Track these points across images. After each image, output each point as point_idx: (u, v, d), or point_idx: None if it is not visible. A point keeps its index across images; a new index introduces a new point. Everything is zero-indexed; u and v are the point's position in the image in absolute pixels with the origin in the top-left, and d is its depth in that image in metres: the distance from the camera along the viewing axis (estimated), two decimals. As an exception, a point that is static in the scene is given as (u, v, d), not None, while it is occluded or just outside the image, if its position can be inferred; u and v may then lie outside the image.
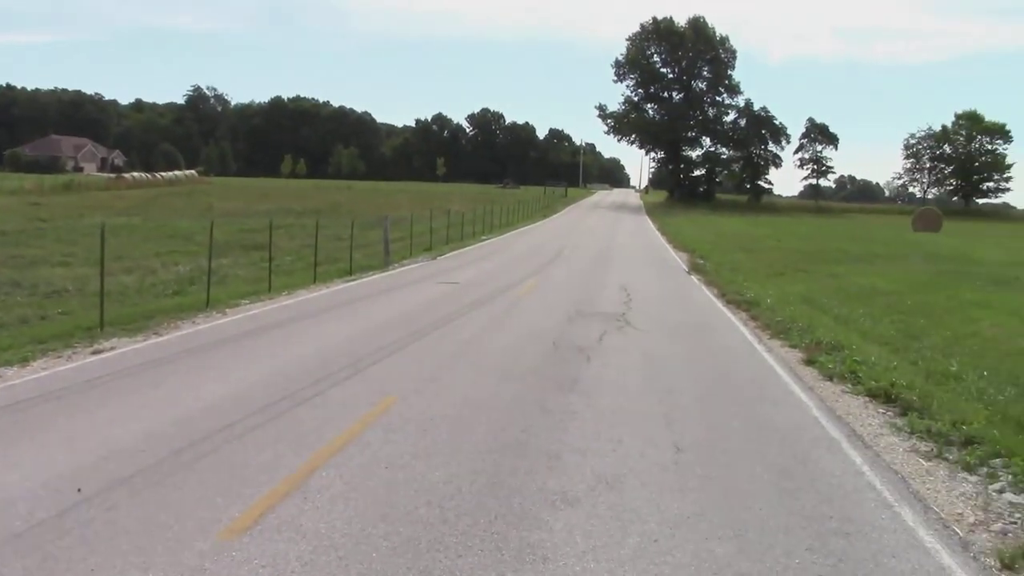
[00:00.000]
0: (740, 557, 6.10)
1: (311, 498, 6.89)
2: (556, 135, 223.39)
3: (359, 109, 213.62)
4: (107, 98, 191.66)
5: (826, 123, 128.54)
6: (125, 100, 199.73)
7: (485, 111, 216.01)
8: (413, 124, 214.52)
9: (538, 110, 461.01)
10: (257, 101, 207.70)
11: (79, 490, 6.95)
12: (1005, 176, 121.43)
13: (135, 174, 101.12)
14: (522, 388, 11.07)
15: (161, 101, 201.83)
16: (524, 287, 23.25)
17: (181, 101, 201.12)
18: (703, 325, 17.77)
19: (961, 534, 6.84)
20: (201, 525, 6.28)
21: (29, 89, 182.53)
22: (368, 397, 10.28)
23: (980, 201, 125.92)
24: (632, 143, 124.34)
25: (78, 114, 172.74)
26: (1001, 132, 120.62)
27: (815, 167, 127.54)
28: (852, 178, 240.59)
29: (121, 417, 9.13)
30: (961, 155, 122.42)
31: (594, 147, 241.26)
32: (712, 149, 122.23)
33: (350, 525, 6.37)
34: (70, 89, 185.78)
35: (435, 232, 38.37)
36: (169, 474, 7.34)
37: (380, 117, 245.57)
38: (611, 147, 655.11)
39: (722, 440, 9.08)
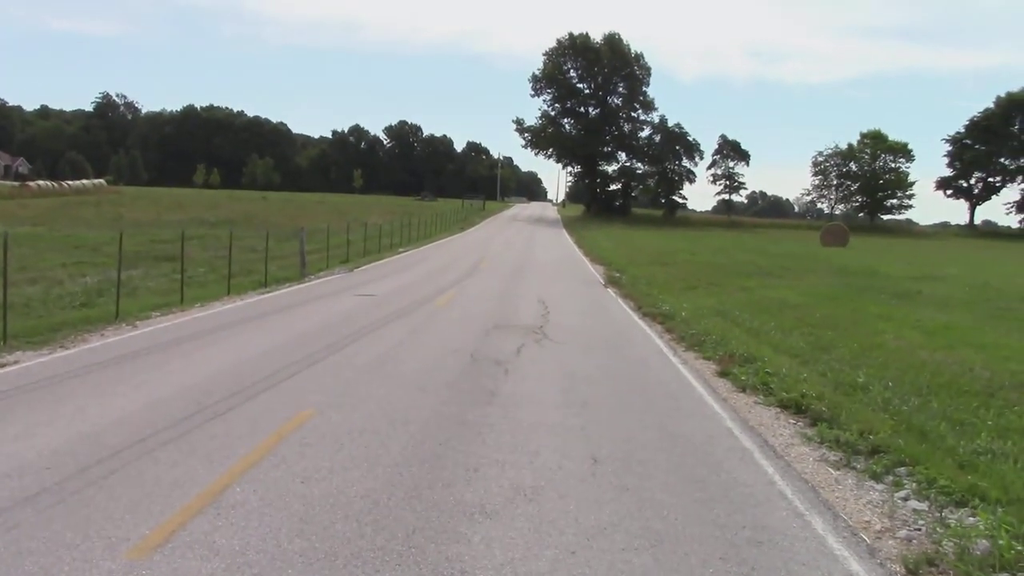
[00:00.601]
0: (656, 567, 6.17)
1: (224, 514, 6.75)
2: (474, 148, 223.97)
3: (275, 119, 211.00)
4: (10, 104, 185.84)
5: (738, 140, 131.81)
6: (30, 106, 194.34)
7: (403, 123, 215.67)
8: (330, 135, 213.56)
9: (456, 123, 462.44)
10: (169, 109, 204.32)
11: (-20, 509, 6.72)
12: (908, 193, 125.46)
13: (40, 182, 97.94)
14: (440, 401, 11.04)
15: (68, 108, 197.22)
16: (442, 299, 23.21)
17: (89, 108, 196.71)
18: (620, 338, 17.95)
19: (868, 541, 7.04)
20: (109, 544, 6.10)
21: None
22: (284, 411, 10.13)
23: (884, 217, 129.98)
24: (549, 157, 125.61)
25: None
26: (904, 151, 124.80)
27: (728, 183, 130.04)
28: (763, 194, 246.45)
29: (25, 433, 8.82)
30: (866, 172, 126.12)
31: (512, 160, 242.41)
32: (628, 164, 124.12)
33: (265, 541, 6.26)
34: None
35: (352, 244, 38.09)
36: (76, 491, 7.12)
37: (296, 128, 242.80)
38: (529, 161, 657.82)
39: (638, 451, 9.18)
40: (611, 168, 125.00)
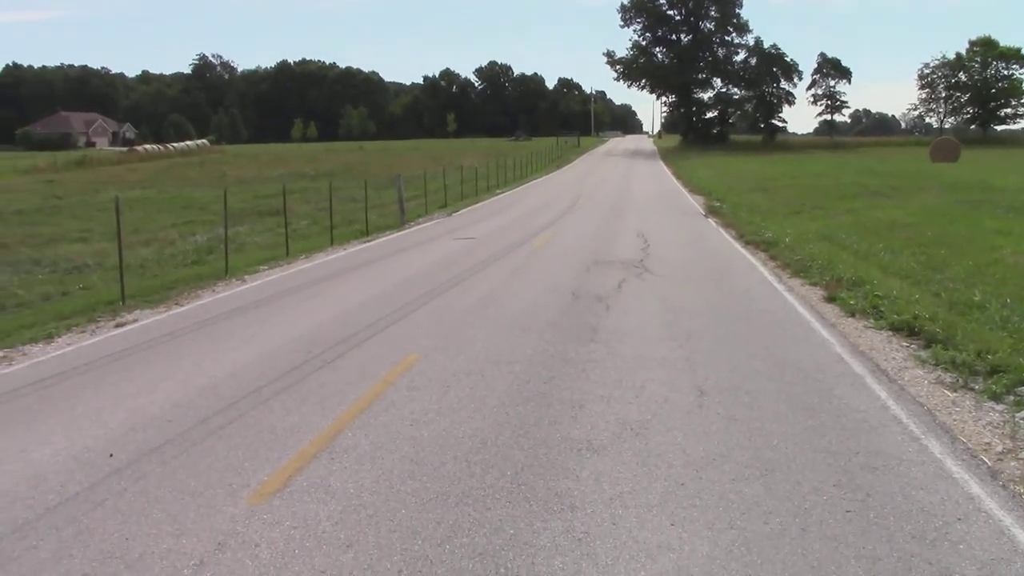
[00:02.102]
0: (768, 496, 6.11)
1: (338, 458, 6.94)
2: (566, 84, 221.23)
3: (366, 69, 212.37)
4: (113, 71, 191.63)
5: (838, 57, 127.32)
6: (131, 72, 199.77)
7: (493, 64, 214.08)
8: (421, 81, 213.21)
9: (546, 60, 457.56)
10: (263, 66, 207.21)
11: (111, 455, 7.08)
12: (1023, 101, 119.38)
13: (147, 146, 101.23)
14: (543, 340, 11.07)
15: (167, 72, 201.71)
16: (540, 239, 23.20)
17: (187, 71, 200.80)
18: (722, 268, 17.69)
19: (989, 463, 6.82)
20: (231, 490, 6.34)
21: (36, 67, 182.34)
22: (390, 356, 10.32)
23: (998, 128, 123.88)
24: (643, 88, 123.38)
25: (86, 89, 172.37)
26: (1017, 56, 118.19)
27: (829, 103, 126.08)
28: (867, 112, 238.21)
29: (147, 388, 9.21)
30: (977, 82, 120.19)
31: (604, 95, 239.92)
32: (723, 90, 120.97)
33: (378, 483, 6.42)
34: (76, 65, 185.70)
35: (449, 188, 38.29)
36: (197, 442, 7.41)
37: (388, 76, 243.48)
38: (622, 94, 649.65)
39: (745, 381, 9.06)
40: (706, 96, 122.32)
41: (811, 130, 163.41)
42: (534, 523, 5.73)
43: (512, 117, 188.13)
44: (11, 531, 5.73)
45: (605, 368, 9.66)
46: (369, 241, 24.25)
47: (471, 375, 9.41)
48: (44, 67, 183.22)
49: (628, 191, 44.08)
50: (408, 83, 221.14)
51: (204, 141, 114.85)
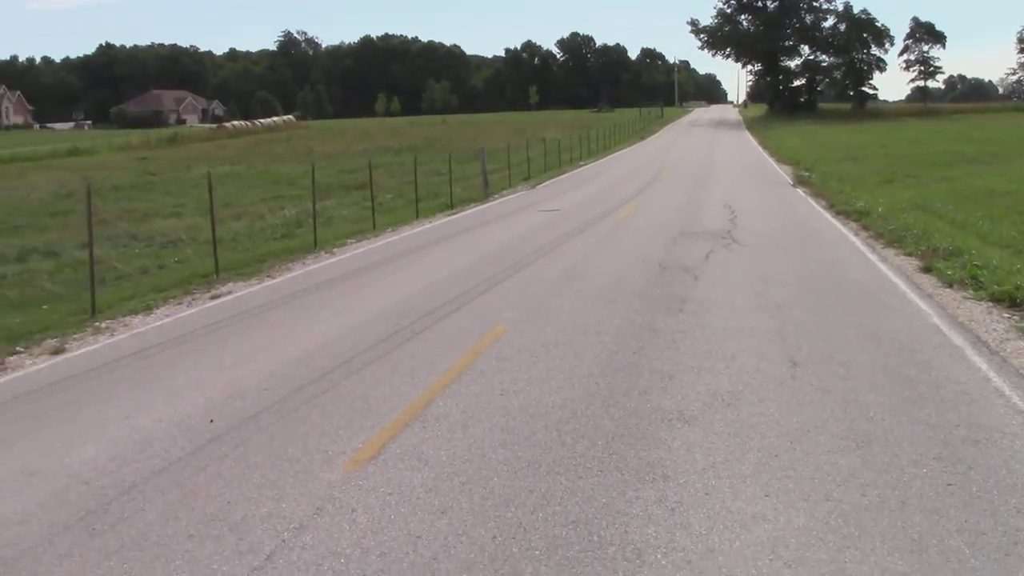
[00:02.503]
0: (864, 468, 6.00)
1: (430, 427, 7.03)
2: (649, 55, 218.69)
3: (448, 43, 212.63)
4: (202, 50, 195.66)
5: (931, 21, 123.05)
6: (219, 51, 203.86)
7: (575, 35, 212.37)
8: (503, 54, 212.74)
9: (629, 30, 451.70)
10: (347, 42, 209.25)
11: (212, 421, 7.30)
12: None
13: (235, 123, 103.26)
14: (631, 311, 11.02)
15: (254, 49, 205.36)
16: (625, 211, 23.04)
17: (273, 48, 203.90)
18: (813, 238, 17.35)
19: (1098, 437, 6.58)
20: (327, 457, 6.48)
21: (128, 46, 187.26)
22: (478, 328, 10.39)
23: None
24: (727, 57, 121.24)
25: (176, 67, 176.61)
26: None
27: (922, 69, 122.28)
28: (962, 77, 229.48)
29: (243, 358, 9.44)
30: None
31: (688, 64, 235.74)
32: (811, 57, 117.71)
33: (470, 451, 6.49)
34: (167, 43, 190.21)
35: (532, 161, 38.22)
36: (293, 410, 7.58)
37: (469, 49, 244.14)
38: (706, 63, 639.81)
39: (839, 352, 8.89)
40: (793, 63, 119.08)
41: (903, 97, 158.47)
42: (626, 492, 5.73)
43: (594, 88, 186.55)
44: (120, 494, 5.95)
45: (694, 339, 9.58)
46: (454, 214, 24.40)
47: (559, 346, 9.42)
48: (136, 46, 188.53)
49: (713, 162, 43.42)
50: (490, 56, 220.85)
51: (290, 117, 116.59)
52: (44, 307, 12.92)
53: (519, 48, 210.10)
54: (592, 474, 6.03)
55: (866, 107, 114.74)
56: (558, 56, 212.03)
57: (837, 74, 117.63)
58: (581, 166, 43.53)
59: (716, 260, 14.66)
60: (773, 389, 7.76)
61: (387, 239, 19.53)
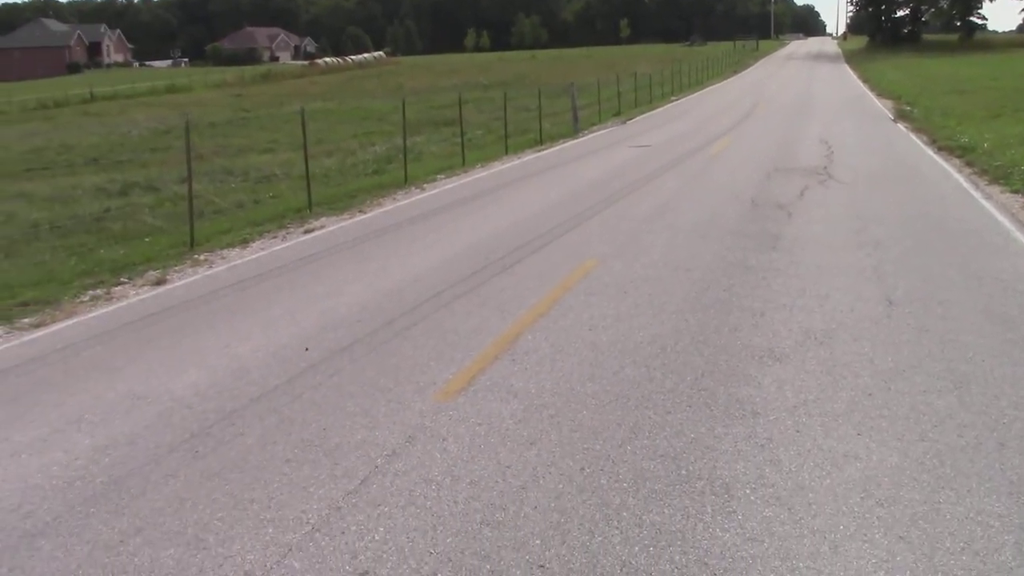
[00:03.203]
0: (962, 409, 5.86)
1: (519, 360, 7.09)
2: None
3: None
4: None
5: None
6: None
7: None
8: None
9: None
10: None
11: (307, 349, 7.50)
12: None
13: (326, 59, 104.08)
14: (722, 247, 10.88)
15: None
16: (718, 146, 22.61)
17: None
18: (913, 175, 16.79)
19: None
20: (418, 387, 6.60)
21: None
22: (567, 263, 10.38)
23: None
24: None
25: (268, 4, 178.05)
26: None
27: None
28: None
29: (336, 291, 9.62)
30: None
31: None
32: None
33: (558, 385, 6.53)
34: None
35: (622, 96, 37.65)
36: (385, 341, 7.72)
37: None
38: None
39: (938, 292, 8.65)
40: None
41: (1014, 27, 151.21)
42: (715, 428, 5.71)
43: (687, 21, 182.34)
44: (220, 419, 6.17)
45: (787, 276, 9.42)
46: (543, 150, 24.26)
47: (649, 281, 9.37)
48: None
49: (810, 96, 42.15)
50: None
51: (380, 53, 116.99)
52: (146, 239, 13.33)
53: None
54: (681, 409, 6.02)
55: (974, 38, 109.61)
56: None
57: (943, 3, 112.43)
58: (673, 101, 42.76)
59: (811, 197, 14.32)
60: (868, 328, 7.60)
61: (477, 175, 19.56)
